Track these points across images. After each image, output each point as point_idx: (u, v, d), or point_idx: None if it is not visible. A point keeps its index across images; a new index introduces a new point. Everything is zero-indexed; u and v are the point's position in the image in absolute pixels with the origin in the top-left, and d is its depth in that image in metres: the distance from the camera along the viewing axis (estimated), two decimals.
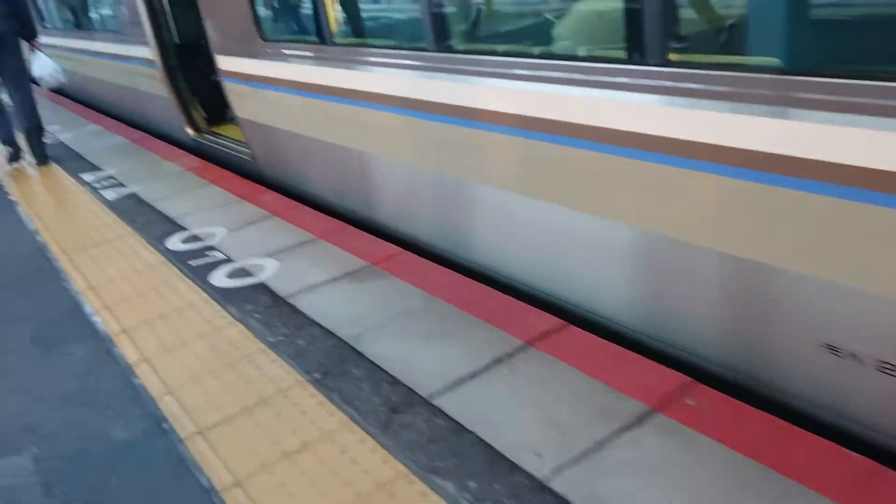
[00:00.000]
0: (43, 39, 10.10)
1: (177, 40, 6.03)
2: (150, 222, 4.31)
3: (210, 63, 6.52)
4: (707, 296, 2.22)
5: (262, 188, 4.68)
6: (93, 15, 7.81)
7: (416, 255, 3.37)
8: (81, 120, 7.95)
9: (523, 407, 2.19)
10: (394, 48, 3.22)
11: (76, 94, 9.76)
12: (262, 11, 4.18)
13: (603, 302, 2.66)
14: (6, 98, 6.12)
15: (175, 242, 3.93)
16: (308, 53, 3.78)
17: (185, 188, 4.89)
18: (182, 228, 4.12)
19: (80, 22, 8.38)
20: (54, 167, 5.93)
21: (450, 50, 2.87)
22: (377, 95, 3.26)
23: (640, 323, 2.54)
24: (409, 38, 3.31)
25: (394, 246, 3.48)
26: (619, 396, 2.17)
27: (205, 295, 3.26)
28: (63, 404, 2.66)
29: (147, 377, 2.68)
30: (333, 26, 3.53)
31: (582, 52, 2.52)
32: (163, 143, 6.31)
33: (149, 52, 6.00)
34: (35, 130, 6.07)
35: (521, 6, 3.48)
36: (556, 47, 2.66)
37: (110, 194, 4.99)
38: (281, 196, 4.46)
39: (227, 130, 6.13)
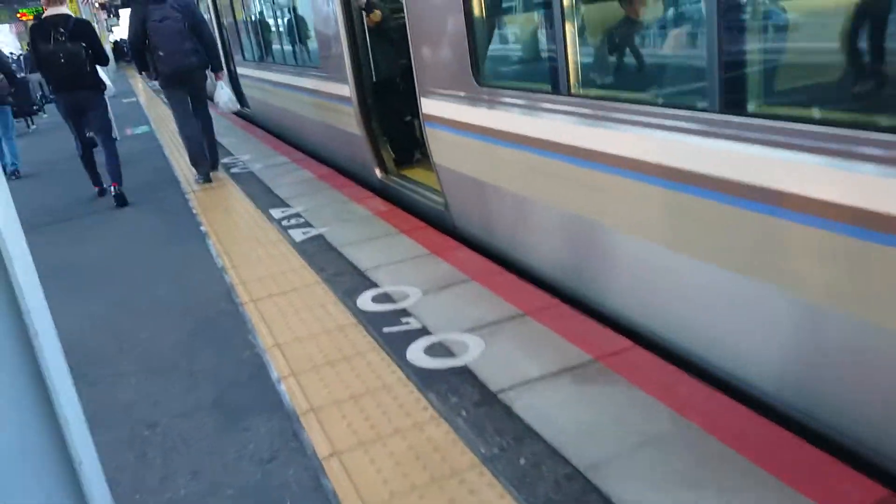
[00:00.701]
0: (243, 70, 10.64)
1: (373, 78, 5.85)
2: (339, 272, 4.00)
3: (404, 102, 6.35)
4: None
5: (455, 243, 4.26)
6: (292, 51, 7.94)
7: (654, 356, 2.75)
8: (270, 150, 8.07)
9: None
10: (663, 105, 2.64)
11: (266, 123, 10.07)
12: (480, 52, 3.77)
13: None
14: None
15: (366, 300, 3.57)
16: (535, 103, 3.30)
17: (374, 235, 4.58)
18: (373, 284, 3.76)
19: (278, 58, 8.60)
20: (246, 201, 5.89)
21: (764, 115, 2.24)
22: (635, 162, 2.69)
23: None
24: (685, 92, 2.71)
25: (625, 339, 2.87)
26: None
27: (401, 374, 2.82)
28: (242, 498, 2.28)
29: (339, 481, 2.24)
30: (574, 72, 3.03)
31: None
32: (348, 181, 6.14)
33: (346, 89, 5.87)
34: (213, 145, 7.07)
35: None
36: None
37: (297, 234, 4.79)
38: (477, 255, 4.01)
39: (414, 174, 5.85)
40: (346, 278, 3.90)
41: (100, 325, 3.81)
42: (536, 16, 3.47)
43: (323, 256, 4.30)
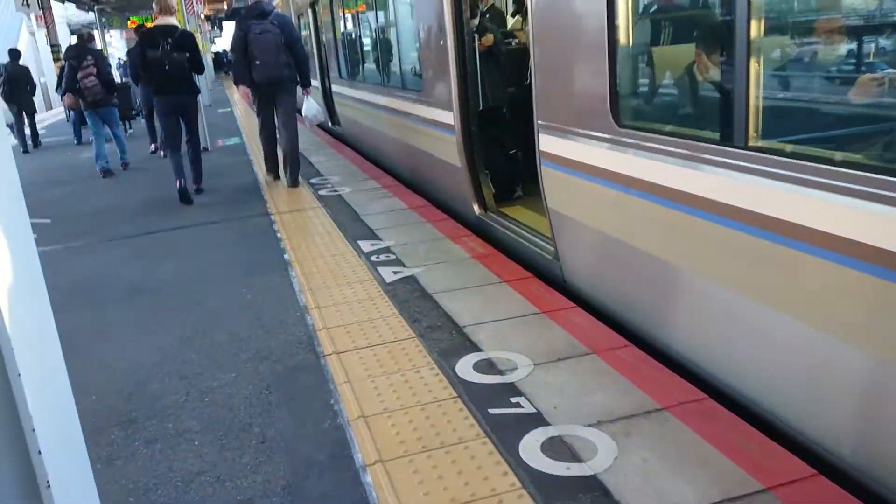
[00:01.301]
0: (338, 88, 10.43)
1: (480, 106, 5.37)
2: (435, 326, 3.49)
3: (509, 133, 5.85)
4: None
5: (568, 302, 3.70)
6: (392, 72, 7.59)
7: (842, 491, 2.11)
8: (360, 173, 7.72)
9: None
10: None
11: (358, 144, 9.79)
12: (624, 87, 3.22)
13: None
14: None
15: (466, 368, 3.04)
16: (696, 153, 2.73)
17: (473, 282, 4.07)
18: (474, 346, 3.24)
19: (376, 77, 8.28)
20: (333, 229, 5.50)
21: None
22: (849, 243, 2.08)
23: None
24: None
25: (804, 465, 2.24)
26: None
27: (515, 478, 2.27)
28: None
29: None
30: (753, 119, 2.45)
31: None
32: (442, 215, 5.67)
33: (449, 117, 5.42)
34: (293, 159, 7.16)
35: None
36: None
37: (388, 273, 4.33)
38: (597, 322, 3.43)
39: (516, 213, 5.32)
40: (442, 335, 3.40)
41: (168, 365, 3.43)
42: (704, 44, 2.90)
43: (416, 304, 3.81)
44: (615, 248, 3.42)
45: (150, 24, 7.12)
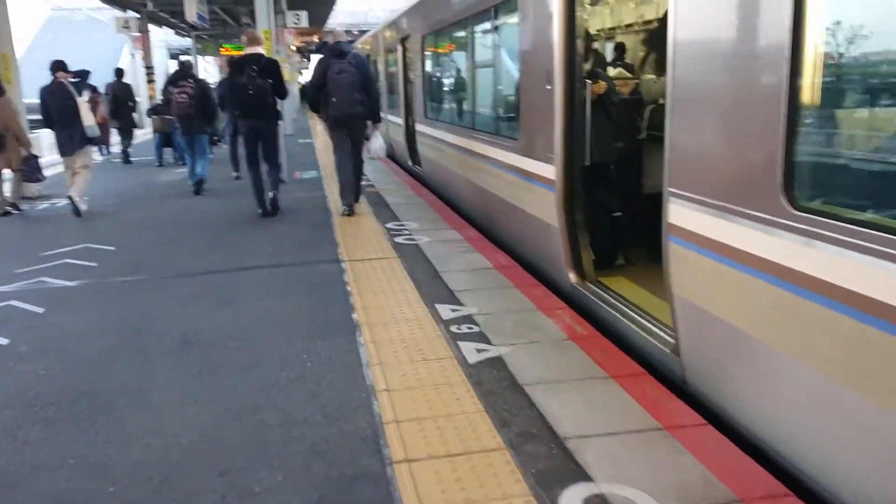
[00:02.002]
0: (422, 128, 9.99)
1: (586, 161, 4.72)
2: (529, 436, 2.82)
3: (614, 193, 5.18)
4: None
5: (697, 417, 2.96)
6: (484, 116, 7.06)
7: None
8: (440, 220, 7.16)
9: None
10: None
11: (439, 187, 9.29)
12: (806, 159, 2.52)
13: None
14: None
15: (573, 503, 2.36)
16: (880, 257, 2.01)
17: (573, 373, 3.39)
18: (582, 474, 2.54)
19: (465, 120, 7.77)
20: (410, 287, 4.92)
21: None
22: None
23: None
24: None
25: None
26: None
27: None
28: None
29: None
30: None
31: None
32: (531, 280, 5.02)
33: (549, 170, 4.80)
34: (354, 185, 7.69)
35: None
36: None
37: (470, 351, 3.69)
38: (744, 455, 2.68)
39: (619, 285, 4.63)
40: (539, 448, 2.72)
41: (208, 449, 2.86)
42: None
43: (505, 398, 3.15)
44: (769, 360, 2.69)
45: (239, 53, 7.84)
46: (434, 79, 9.39)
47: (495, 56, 6.45)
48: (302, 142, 17.11)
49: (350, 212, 7.49)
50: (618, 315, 4.17)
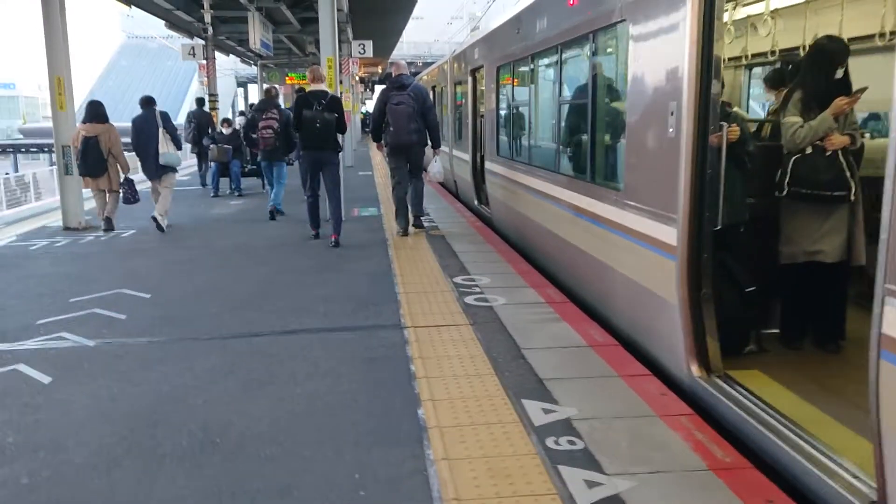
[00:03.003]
0: (493, 167, 9.12)
1: (717, 224, 3.73)
2: None
3: (747, 263, 4.16)
4: None
5: None
6: (576, 159, 6.13)
7: None
8: (514, 276, 6.23)
9: None
10: None
11: (510, 232, 8.38)
12: None
13: None
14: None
15: None
16: None
17: None
18: None
19: (547, 161, 6.87)
20: (487, 370, 3.99)
21: None
22: None
23: None
24: None
25: None
26: None
27: None
28: None
29: None
30: None
31: None
32: (638, 366, 4.03)
33: (670, 234, 3.84)
34: (415, 204, 8.36)
35: None
36: None
37: (578, 485, 2.72)
38: None
39: (757, 384, 3.61)
40: None
41: None
42: None
43: None
44: None
45: (306, 89, 8.06)
46: (509, 112, 8.51)
47: (592, 84, 5.48)
48: (362, 174, 16.50)
49: (405, 233, 8.08)
50: (763, 430, 3.15)
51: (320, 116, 7.41)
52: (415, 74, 14.07)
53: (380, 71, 42.96)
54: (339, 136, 7.77)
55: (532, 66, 7.31)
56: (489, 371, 3.94)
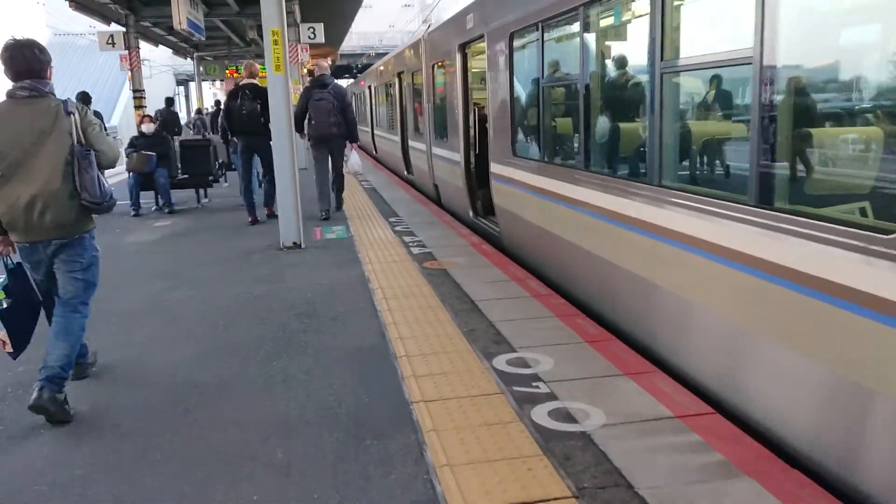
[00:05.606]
0: (504, 171, 6.75)
1: None
2: None
3: None
4: None
5: None
6: (627, 162, 3.88)
7: None
8: (585, 346, 3.96)
9: None
10: None
11: (528, 259, 6.12)
12: None
13: None
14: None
15: None
16: None
17: None
18: None
19: (596, 163, 4.59)
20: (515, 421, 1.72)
21: None
22: None
23: None
24: None
25: None
26: None
27: None
28: None
29: None
30: None
31: None
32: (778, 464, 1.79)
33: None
34: (339, 188, 9.40)
35: None
36: None
37: None
38: None
39: None
40: None
41: None
42: None
43: None
44: None
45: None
46: (539, 98, 5.99)
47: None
48: None
49: (326, 216, 8.78)
50: None
51: (246, 104, 8.47)
52: (366, 67, 13.62)
53: (330, 63, 40.21)
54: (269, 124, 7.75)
55: (588, 21, 4.85)
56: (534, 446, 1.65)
